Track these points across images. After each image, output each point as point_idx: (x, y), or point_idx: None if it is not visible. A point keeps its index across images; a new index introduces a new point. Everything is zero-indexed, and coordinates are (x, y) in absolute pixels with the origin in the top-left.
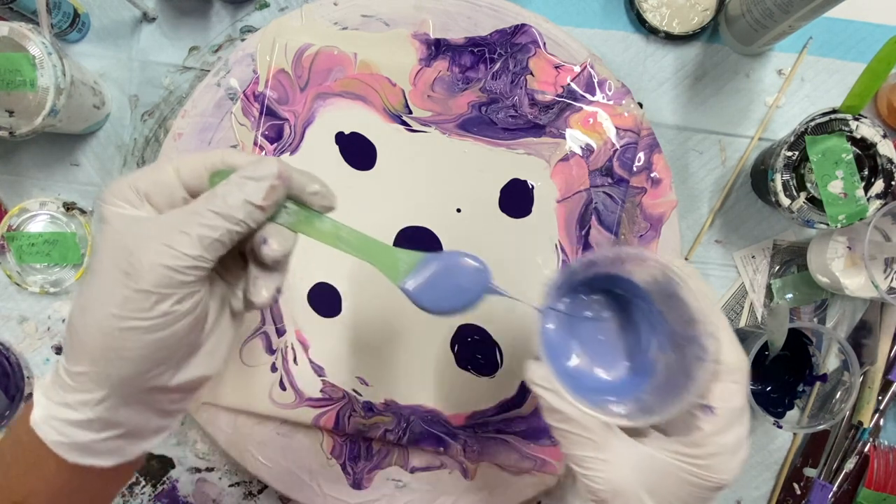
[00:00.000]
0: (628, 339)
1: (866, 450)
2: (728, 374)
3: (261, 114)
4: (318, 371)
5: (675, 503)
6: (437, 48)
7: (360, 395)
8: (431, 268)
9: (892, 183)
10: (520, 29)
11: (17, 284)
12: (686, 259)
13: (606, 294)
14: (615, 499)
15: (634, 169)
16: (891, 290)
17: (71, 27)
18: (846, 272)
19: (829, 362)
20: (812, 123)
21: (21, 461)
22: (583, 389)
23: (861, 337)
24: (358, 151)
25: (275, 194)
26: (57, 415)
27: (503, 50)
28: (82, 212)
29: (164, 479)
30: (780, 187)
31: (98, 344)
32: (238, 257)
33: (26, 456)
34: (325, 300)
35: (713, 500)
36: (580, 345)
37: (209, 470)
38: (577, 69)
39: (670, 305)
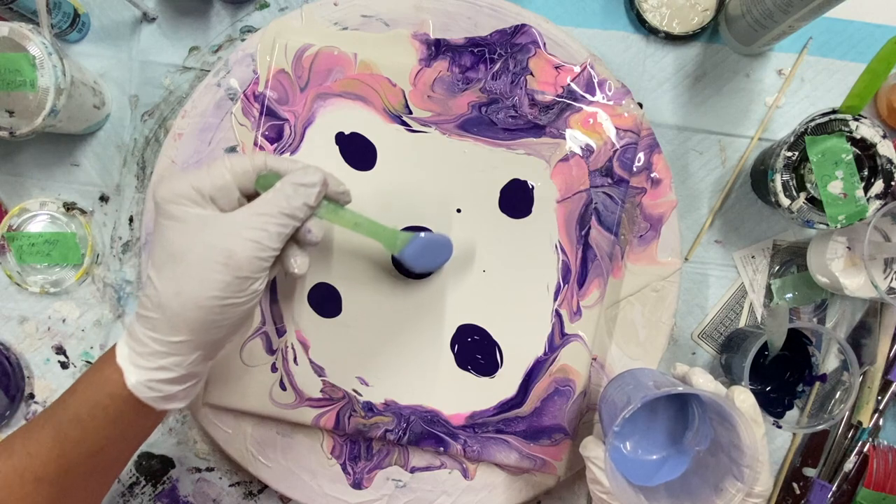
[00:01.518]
0: (673, 420)
1: (866, 450)
2: (754, 499)
3: (261, 114)
4: (319, 371)
5: None
6: (437, 48)
7: (360, 395)
8: (419, 243)
9: (892, 183)
10: (520, 29)
11: (18, 284)
12: (686, 259)
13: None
14: None
15: (634, 169)
16: (890, 290)
17: (71, 27)
18: (846, 272)
19: (829, 362)
20: (812, 124)
21: (100, 417)
22: (624, 462)
23: (861, 337)
24: (358, 151)
25: (321, 196)
26: (154, 377)
27: (503, 50)
28: (82, 212)
29: (165, 479)
30: (779, 187)
31: (199, 318)
32: None
33: (106, 413)
34: (325, 300)
35: None
36: (633, 426)
37: (209, 470)
38: (577, 69)
39: (723, 424)
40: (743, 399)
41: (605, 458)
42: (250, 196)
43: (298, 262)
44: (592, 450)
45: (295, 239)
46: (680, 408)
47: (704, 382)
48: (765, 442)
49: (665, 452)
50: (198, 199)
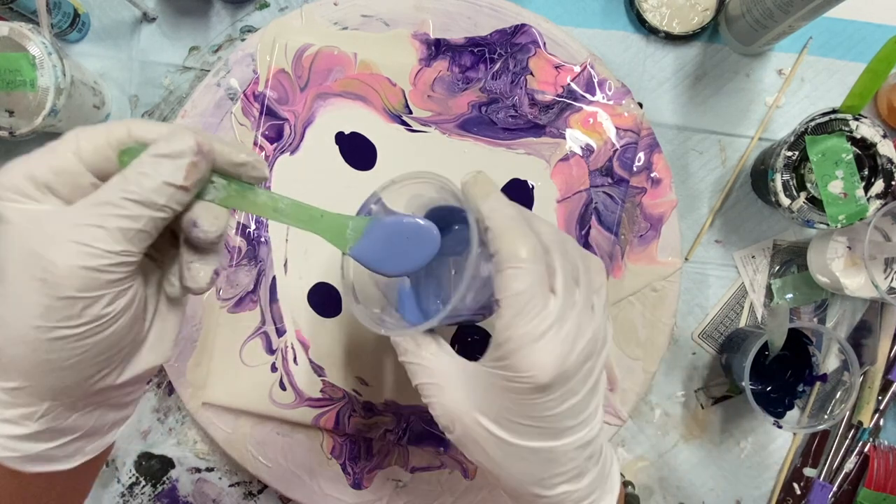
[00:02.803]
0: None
1: (866, 450)
2: (506, 263)
3: (261, 114)
4: (318, 371)
5: (506, 415)
6: (437, 48)
7: (360, 395)
8: (380, 230)
9: (892, 183)
10: (520, 29)
11: None
12: (686, 259)
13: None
14: (454, 425)
15: (634, 169)
16: (891, 290)
17: (71, 27)
18: (846, 272)
19: (829, 362)
20: (812, 123)
21: None
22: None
23: (861, 337)
24: (358, 151)
25: (197, 172)
26: (1, 432)
27: (503, 50)
28: None
29: (164, 479)
30: (780, 187)
31: (27, 358)
32: (169, 235)
33: None
34: (325, 300)
35: (546, 404)
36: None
37: (209, 470)
38: (577, 69)
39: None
40: (469, 177)
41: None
42: None
43: (193, 271)
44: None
45: (187, 238)
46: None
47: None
48: (499, 200)
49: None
50: (31, 191)
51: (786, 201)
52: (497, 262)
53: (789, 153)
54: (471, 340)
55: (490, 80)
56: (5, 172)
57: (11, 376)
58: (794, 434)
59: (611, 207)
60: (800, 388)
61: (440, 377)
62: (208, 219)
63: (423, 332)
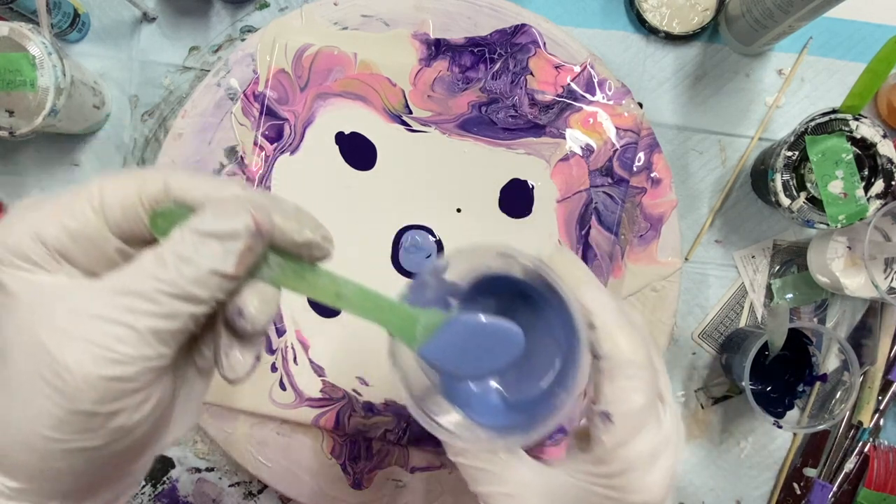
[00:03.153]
0: (544, 348)
1: (866, 450)
2: (620, 370)
3: (261, 114)
4: (318, 371)
5: None
6: (437, 48)
7: (360, 395)
8: (456, 329)
9: (892, 183)
10: (520, 29)
11: None
12: (686, 259)
13: (508, 299)
14: None
15: (634, 169)
16: (891, 290)
17: (71, 27)
18: (846, 272)
19: (829, 362)
20: (812, 123)
21: None
22: (487, 413)
23: (861, 337)
24: (358, 151)
25: (251, 256)
26: None
27: (503, 50)
28: None
29: (164, 479)
30: (780, 187)
31: (34, 464)
32: None
33: None
34: None
35: None
36: (477, 363)
37: (209, 470)
38: (577, 69)
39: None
40: (554, 251)
41: (395, 372)
42: (149, 241)
43: (231, 359)
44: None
45: (225, 321)
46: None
47: (505, 248)
48: (602, 293)
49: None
50: (41, 256)
51: (786, 201)
52: (608, 368)
53: (789, 153)
54: None
55: (490, 80)
56: (8, 228)
57: (15, 477)
58: (794, 434)
59: (611, 207)
60: (800, 388)
61: (514, 486)
62: (257, 305)
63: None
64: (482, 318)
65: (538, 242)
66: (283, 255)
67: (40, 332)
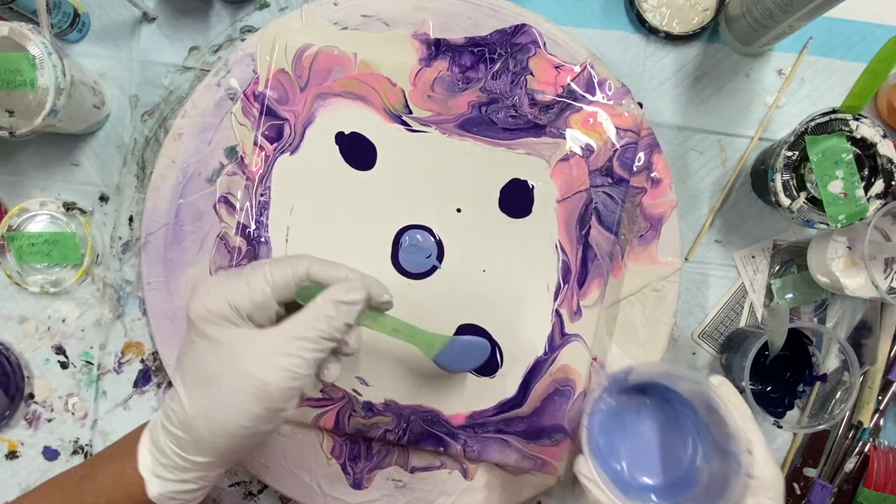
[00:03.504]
0: (674, 444)
1: (866, 450)
2: (763, 490)
3: (261, 114)
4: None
5: None
6: (437, 48)
7: (360, 395)
8: (455, 348)
9: (892, 183)
10: (520, 29)
11: (17, 284)
12: (686, 259)
13: (655, 398)
14: None
15: (634, 169)
16: (891, 290)
17: (71, 27)
18: (846, 272)
19: (829, 362)
20: (812, 123)
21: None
22: (626, 487)
23: (861, 337)
24: (358, 151)
25: (363, 313)
26: (177, 489)
27: (503, 50)
28: (82, 212)
29: None
30: (780, 187)
31: (225, 444)
32: None
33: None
34: None
35: None
36: (627, 444)
37: None
38: (577, 69)
39: (712, 419)
40: (720, 382)
41: (586, 445)
42: (288, 303)
43: (331, 371)
44: (583, 464)
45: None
46: (673, 425)
47: (684, 372)
48: (756, 427)
49: (667, 478)
50: (234, 317)
51: (786, 201)
52: (755, 486)
53: (789, 153)
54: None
55: (490, 80)
56: (210, 298)
57: (207, 454)
58: (794, 434)
59: (611, 207)
60: (800, 388)
61: None
62: (354, 339)
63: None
64: (467, 338)
65: (538, 242)
66: (368, 307)
67: (243, 363)
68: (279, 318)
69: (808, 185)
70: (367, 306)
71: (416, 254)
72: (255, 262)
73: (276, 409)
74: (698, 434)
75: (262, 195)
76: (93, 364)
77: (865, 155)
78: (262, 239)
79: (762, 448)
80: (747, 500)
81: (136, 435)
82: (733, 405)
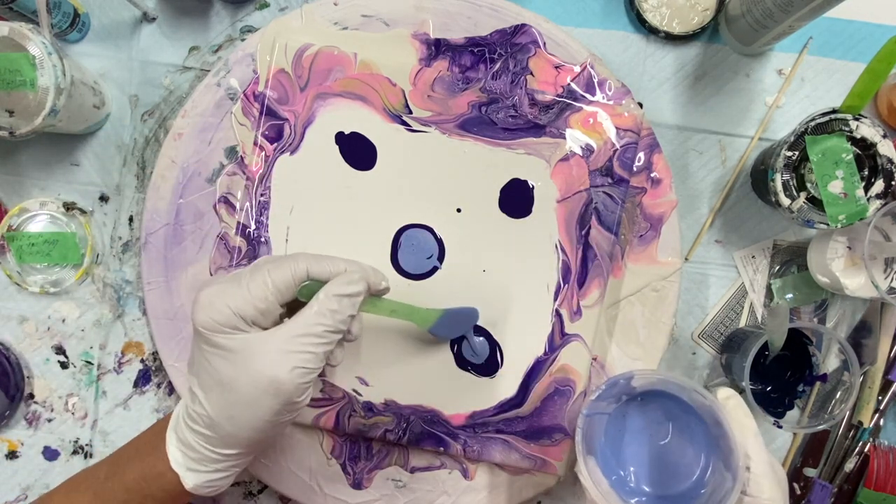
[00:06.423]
0: (687, 457)
1: (866, 450)
2: None
3: (261, 114)
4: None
5: None
6: (437, 48)
7: (360, 395)
8: (447, 318)
9: (892, 183)
10: (520, 29)
11: (17, 284)
12: (686, 259)
13: (671, 409)
14: None
15: (634, 169)
16: (891, 290)
17: (71, 27)
18: (846, 272)
19: (829, 362)
20: (812, 123)
21: (154, 493)
22: (628, 493)
23: (861, 337)
24: (358, 151)
25: (364, 303)
26: (212, 478)
27: (503, 50)
28: (82, 212)
29: None
30: (780, 187)
31: (252, 437)
32: None
33: (155, 501)
34: None
35: None
36: (637, 451)
37: None
38: (577, 69)
39: (721, 433)
40: (727, 395)
41: (578, 446)
42: (290, 303)
43: (336, 356)
44: (583, 467)
45: None
46: (687, 438)
47: (686, 382)
48: (761, 443)
49: (675, 489)
50: (241, 324)
51: (786, 201)
52: (752, 502)
53: (789, 153)
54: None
55: (490, 80)
56: (214, 310)
57: (234, 447)
58: (794, 434)
59: (611, 207)
60: (800, 388)
61: None
62: (357, 326)
63: None
64: (461, 308)
65: (538, 242)
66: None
67: (257, 365)
68: (282, 317)
69: (808, 185)
70: (366, 295)
71: (417, 254)
72: (254, 263)
73: (294, 402)
74: (710, 448)
75: (262, 195)
76: (93, 364)
77: (865, 155)
78: (262, 239)
79: (762, 466)
80: None
81: (153, 435)
82: (738, 419)
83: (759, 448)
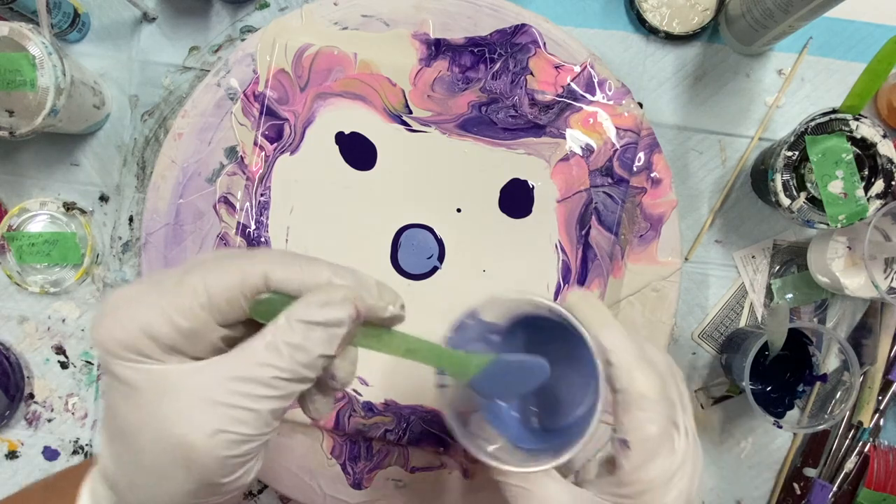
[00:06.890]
0: (578, 386)
1: (866, 450)
2: (634, 403)
3: (261, 114)
4: None
5: None
6: (437, 48)
7: (360, 395)
8: (500, 366)
9: (892, 183)
10: (520, 29)
11: (17, 284)
12: (686, 259)
13: (559, 336)
14: None
15: (634, 169)
16: (891, 290)
17: (71, 27)
18: (846, 272)
19: (829, 362)
20: (812, 123)
21: None
22: (534, 439)
23: (861, 337)
24: (358, 151)
25: (349, 338)
26: None
27: (503, 50)
28: (82, 212)
29: None
30: (780, 187)
31: None
32: None
33: None
34: None
35: None
36: (538, 392)
37: None
38: (577, 69)
39: (581, 341)
40: (573, 295)
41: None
42: (247, 325)
43: (317, 405)
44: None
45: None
46: (577, 365)
47: (539, 298)
48: (620, 332)
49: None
50: (149, 349)
51: (786, 201)
52: (623, 401)
53: (789, 153)
54: None
55: (490, 80)
56: (117, 323)
57: None
58: (794, 434)
59: (611, 207)
60: (800, 388)
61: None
62: (346, 368)
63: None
64: (518, 357)
65: (538, 242)
66: (365, 324)
67: (165, 419)
68: (232, 344)
69: (808, 185)
70: (357, 326)
71: (417, 254)
72: (192, 260)
73: (216, 484)
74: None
75: (262, 195)
76: (93, 364)
77: (865, 155)
78: (262, 239)
79: (627, 355)
80: (621, 419)
81: (74, 476)
82: (583, 313)
83: (618, 336)
